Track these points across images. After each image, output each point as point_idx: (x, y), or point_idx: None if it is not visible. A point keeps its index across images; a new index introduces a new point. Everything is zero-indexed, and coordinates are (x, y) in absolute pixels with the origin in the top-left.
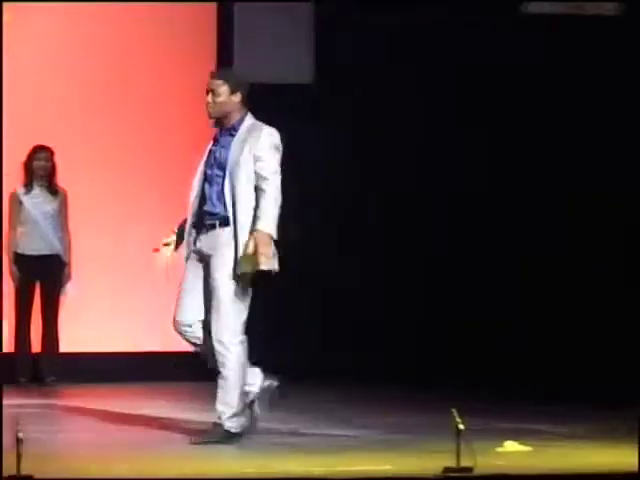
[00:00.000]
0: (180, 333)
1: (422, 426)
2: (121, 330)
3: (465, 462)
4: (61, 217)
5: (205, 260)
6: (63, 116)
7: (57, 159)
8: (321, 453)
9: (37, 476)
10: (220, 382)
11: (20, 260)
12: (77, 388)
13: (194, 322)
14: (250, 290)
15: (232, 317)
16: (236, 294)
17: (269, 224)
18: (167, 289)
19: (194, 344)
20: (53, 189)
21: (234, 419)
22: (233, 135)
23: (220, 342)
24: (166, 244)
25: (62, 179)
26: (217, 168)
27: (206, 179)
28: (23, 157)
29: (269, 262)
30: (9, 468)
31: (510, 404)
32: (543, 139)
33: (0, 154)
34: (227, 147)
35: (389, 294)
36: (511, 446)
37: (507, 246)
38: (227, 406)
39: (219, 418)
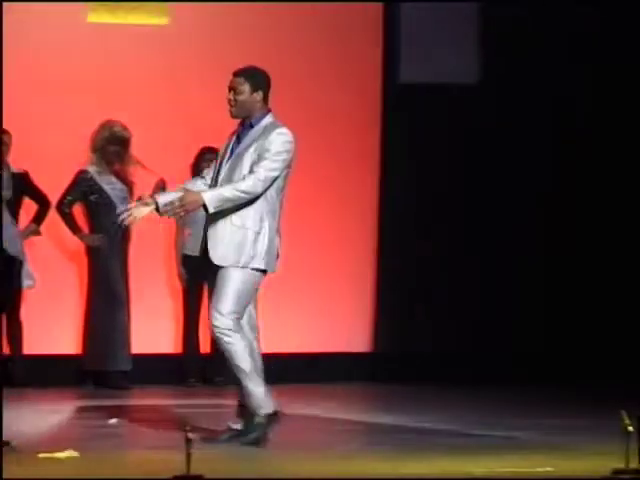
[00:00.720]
0: None
1: (583, 428)
2: (290, 330)
3: (634, 465)
4: None
5: None
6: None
7: None
8: (481, 454)
9: (207, 476)
10: None
11: (188, 262)
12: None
13: None
14: None
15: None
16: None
17: (212, 197)
18: (337, 290)
19: None
20: None
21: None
22: (249, 132)
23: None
24: (145, 204)
25: None
26: None
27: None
28: (191, 159)
29: (169, 210)
30: (178, 468)
31: None
32: None
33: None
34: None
35: (549, 294)
36: None
37: None
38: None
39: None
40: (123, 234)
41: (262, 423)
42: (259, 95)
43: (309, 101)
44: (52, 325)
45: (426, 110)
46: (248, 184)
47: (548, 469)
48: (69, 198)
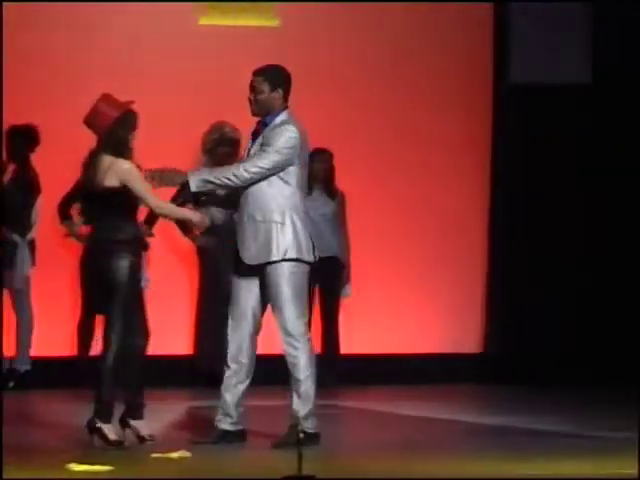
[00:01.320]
0: None
1: None
2: (401, 332)
3: None
4: (339, 219)
5: None
6: (339, 119)
7: (335, 161)
8: (597, 456)
9: (319, 476)
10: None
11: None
12: (357, 389)
13: None
14: None
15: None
16: None
17: (199, 175)
18: (447, 291)
19: None
20: (331, 191)
21: (309, 419)
22: (263, 131)
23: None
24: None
25: (340, 181)
26: None
27: None
28: None
29: (154, 182)
30: (290, 468)
31: None
32: None
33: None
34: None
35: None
36: None
37: None
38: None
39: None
40: (235, 234)
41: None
42: (278, 93)
43: (419, 99)
44: (165, 326)
45: (537, 111)
46: (235, 172)
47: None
48: (180, 200)
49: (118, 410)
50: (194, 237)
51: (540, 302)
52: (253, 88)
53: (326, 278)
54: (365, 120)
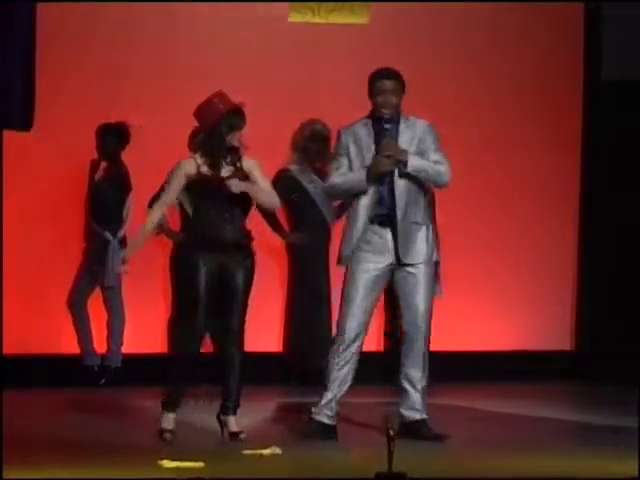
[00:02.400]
0: None
1: None
2: (492, 328)
3: None
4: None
5: None
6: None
7: None
8: None
9: (410, 474)
10: None
11: None
12: (449, 387)
13: None
14: None
15: None
16: None
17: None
18: (539, 288)
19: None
20: None
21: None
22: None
23: None
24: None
25: None
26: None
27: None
28: None
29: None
30: (380, 466)
31: None
32: None
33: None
34: None
35: None
36: None
37: None
38: None
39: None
40: (325, 232)
41: None
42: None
43: (508, 101)
44: (256, 323)
45: (633, 110)
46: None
47: None
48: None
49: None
50: (284, 234)
51: (633, 300)
52: (392, 90)
53: None
54: (452, 122)
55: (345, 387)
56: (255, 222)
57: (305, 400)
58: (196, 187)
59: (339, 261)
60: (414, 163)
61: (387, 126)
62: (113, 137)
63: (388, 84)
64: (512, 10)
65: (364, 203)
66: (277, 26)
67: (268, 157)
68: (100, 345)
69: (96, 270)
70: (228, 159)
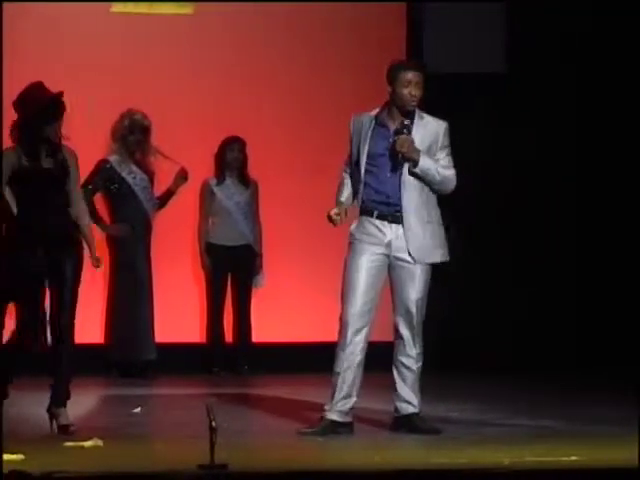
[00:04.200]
0: None
1: (611, 418)
2: (312, 319)
3: None
4: (252, 208)
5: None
6: (254, 107)
7: (249, 150)
8: (510, 444)
9: (231, 465)
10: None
11: (212, 250)
12: (270, 378)
13: None
14: None
15: None
16: None
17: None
18: None
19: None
20: (245, 180)
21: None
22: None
23: None
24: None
25: (254, 170)
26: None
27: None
28: (215, 149)
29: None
30: (202, 457)
31: None
32: None
33: None
34: None
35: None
36: None
37: None
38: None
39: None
40: (145, 223)
41: None
42: None
43: (333, 90)
44: (77, 315)
45: (452, 100)
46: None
47: (573, 458)
48: (90, 187)
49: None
50: (104, 226)
51: None
52: (418, 83)
53: (239, 266)
54: (278, 108)
55: (356, 382)
56: None
57: (127, 392)
58: (18, 179)
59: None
60: (424, 165)
61: (405, 121)
62: None
63: (416, 76)
64: (340, 8)
65: (367, 194)
66: (100, 16)
67: (90, 146)
68: None
69: None
70: (49, 150)
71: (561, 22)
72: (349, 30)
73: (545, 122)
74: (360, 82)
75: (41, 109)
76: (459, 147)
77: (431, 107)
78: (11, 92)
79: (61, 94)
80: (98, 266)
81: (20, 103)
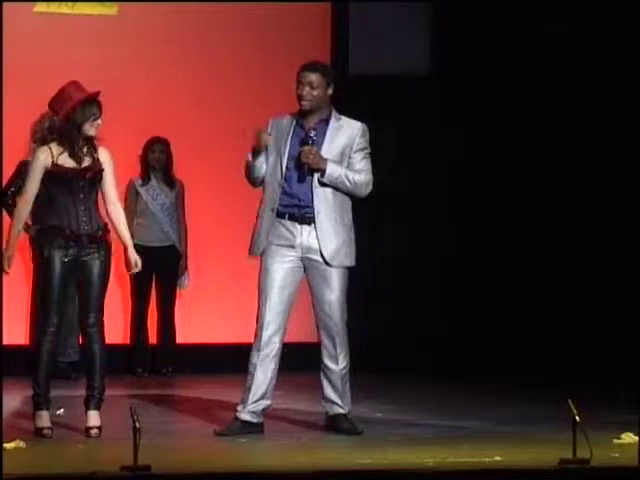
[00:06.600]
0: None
1: (535, 418)
2: (236, 321)
3: (581, 454)
4: (178, 209)
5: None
6: (180, 108)
7: (173, 150)
8: (434, 444)
9: (154, 466)
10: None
11: (136, 251)
12: (194, 379)
13: None
14: None
15: None
16: None
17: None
18: None
19: None
20: (170, 181)
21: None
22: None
23: None
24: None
25: (179, 170)
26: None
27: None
28: (139, 150)
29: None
30: (126, 458)
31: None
32: None
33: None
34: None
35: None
36: (629, 438)
37: None
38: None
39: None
40: None
41: None
42: (330, 90)
43: (257, 91)
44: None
45: (377, 102)
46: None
47: (496, 459)
48: (12, 190)
49: None
50: (26, 227)
51: None
52: (309, 84)
53: (164, 267)
54: (202, 109)
55: (270, 382)
56: None
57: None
58: (52, 178)
59: (250, 252)
60: (332, 173)
61: (310, 132)
62: None
63: (304, 77)
64: (265, 9)
65: (270, 197)
66: (23, 16)
67: (9, 147)
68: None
69: None
70: (85, 149)
71: (487, 22)
72: (274, 31)
73: (472, 122)
74: (286, 83)
75: (79, 107)
76: (383, 149)
77: (355, 109)
78: None
79: (98, 93)
80: (132, 269)
81: (57, 102)
